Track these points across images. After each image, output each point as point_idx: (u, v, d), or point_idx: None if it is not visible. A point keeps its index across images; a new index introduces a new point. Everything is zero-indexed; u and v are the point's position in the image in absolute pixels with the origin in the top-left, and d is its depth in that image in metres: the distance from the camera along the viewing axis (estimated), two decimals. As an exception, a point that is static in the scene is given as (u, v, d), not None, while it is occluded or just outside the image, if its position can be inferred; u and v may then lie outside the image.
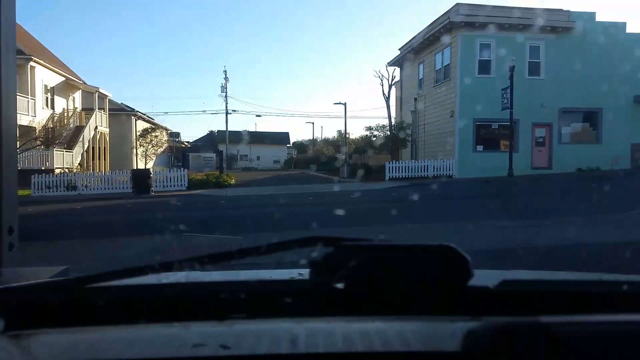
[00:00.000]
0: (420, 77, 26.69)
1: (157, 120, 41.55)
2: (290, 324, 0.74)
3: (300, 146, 68.00)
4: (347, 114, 31.76)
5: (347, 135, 31.36)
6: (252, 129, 61.93)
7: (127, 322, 0.74)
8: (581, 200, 11.88)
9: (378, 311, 0.75)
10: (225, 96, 58.08)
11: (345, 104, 30.78)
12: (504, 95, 20.36)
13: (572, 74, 21.91)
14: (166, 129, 45.12)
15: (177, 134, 73.31)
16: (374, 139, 26.09)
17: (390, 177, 22.54)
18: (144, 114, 36.07)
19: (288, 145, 69.69)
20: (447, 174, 22.35)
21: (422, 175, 22.50)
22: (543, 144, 22.51)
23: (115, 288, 0.77)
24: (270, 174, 36.05)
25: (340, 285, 0.71)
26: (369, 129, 26.35)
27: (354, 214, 10.62)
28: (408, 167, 22.80)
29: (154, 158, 31.72)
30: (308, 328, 0.73)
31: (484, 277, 0.81)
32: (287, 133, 68.68)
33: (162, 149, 31.68)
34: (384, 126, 26.17)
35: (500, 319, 0.68)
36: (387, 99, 33.20)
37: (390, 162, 23.05)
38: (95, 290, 0.77)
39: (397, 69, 30.86)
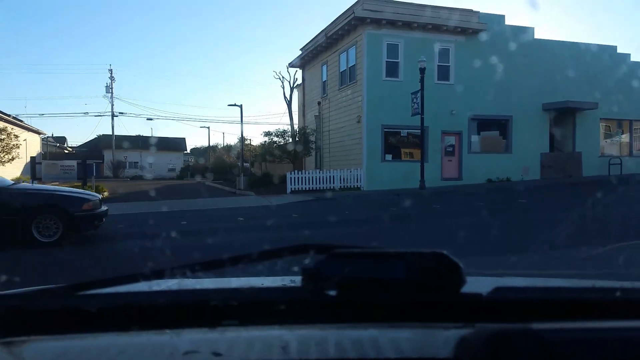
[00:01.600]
0: (324, 79, 24.37)
1: (29, 123, 35.51)
2: (282, 332, 0.73)
3: (198, 153, 63.52)
4: (247, 119, 28.88)
5: (245, 142, 28.10)
6: (148, 134, 56.60)
7: (119, 329, 0.73)
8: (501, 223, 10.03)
9: (370, 318, 0.74)
10: (111, 96, 52.31)
11: (241, 106, 27.72)
12: (414, 100, 18.54)
13: (481, 79, 20.76)
14: (38, 132, 38.93)
15: (62, 139, 65.48)
16: (274, 145, 23.19)
17: (293, 189, 19.82)
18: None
19: (185, 152, 64.76)
20: (355, 186, 20.10)
21: (328, 187, 20.06)
22: (453, 154, 21.11)
23: (107, 295, 0.76)
24: (159, 184, 31.82)
25: (332, 293, 0.71)
26: (268, 134, 23.40)
27: (229, 247, 7.67)
28: (312, 178, 20.21)
29: (12, 163, 26.16)
30: (300, 335, 0.73)
31: (477, 284, 0.81)
32: (184, 139, 63.79)
33: (18, 153, 26.21)
34: (284, 132, 23.38)
35: (492, 326, 0.67)
36: (289, 103, 30.63)
37: (292, 173, 20.31)
38: (87, 298, 0.76)
39: (299, 71, 28.39)
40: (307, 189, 19.83)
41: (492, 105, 20.99)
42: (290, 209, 14.55)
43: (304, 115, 27.93)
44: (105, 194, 21.60)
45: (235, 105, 28.46)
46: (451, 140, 21.07)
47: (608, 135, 23.59)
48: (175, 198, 19.24)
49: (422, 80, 17.96)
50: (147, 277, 0.78)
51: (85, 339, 0.74)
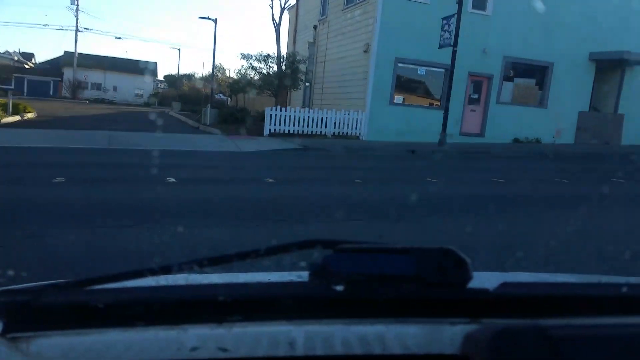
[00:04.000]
0: (325, -5, 19.48)
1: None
2: (288, 327, 0.73)
3: (173, 80, 57.59)
4: (227, 47, 23.48)
5: (217, 68, 23.08)
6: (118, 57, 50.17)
7: (125, 324, 0.73)
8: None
9: (377, 314, 0.74)
10: (77, 10, 45.74)
11: (215, 20, 22.51)
12: (445, 27, 14.05)
13: (524, 14, 16.30)
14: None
15: (29, 55, 58.50)
16: (253, 72, 18.47)
17: (272, 130, 15.47)
18: None
19: (158, 78, 58.77)
20: (353, 134, 15.87)
21: (318, 132, 15.78)
22: (478, 102, 16.93)
23: (113, 290, 0.76)
24: (114, 110, 27.02)
25: (339, 288, 0.71)
26: (246, 57, 18.45)
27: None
28: (298, 118, 15.80)
29: None
30: (307, 331, 0.73)
31: (484, 279, 0.81)
32: (155, 63, 57.43)
33: None
34: (268, 56, 18.46)
35: (499, 322, 0.66)
36: (278, 27, 25.56)
37: (273, 109, 15.79)
38: (94, 293, 0.76)
39: (294, -14, 23.23)
40: (291, 131, 15.52)
41: (532, 47, 16.66)
42: (262, 160, 10.31)
43: (294, 42, 23.09)
44: (29, 115, 16.88)
45: (208, 19, 22.93)
46: (478, 85, 16.79)
47: (657, 98, 19.65)
48: (118, 129, 14.72)
49: (460, 2, 13.39)
50: (154, 273, 0.77)
51: (92, 334, 0.73)
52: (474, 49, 16.09)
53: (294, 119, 15.73)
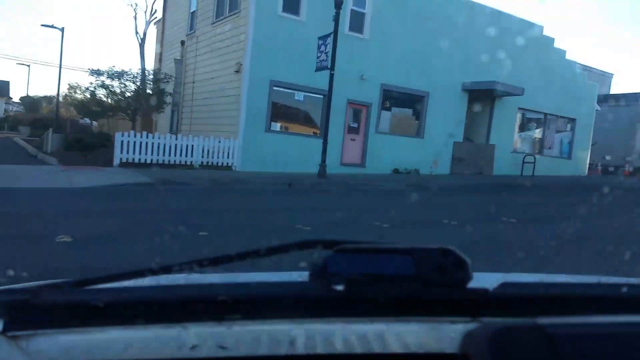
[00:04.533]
0: (194, 8, 17.57)
1: None
2: (289, 326, 0.73)
3: (30, 102, 50.59)
4: (91, 64, 20.26)
5: (74, 88, 19.70)
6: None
7: (125, 323, 0.73)
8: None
9: (377, 313, 0.75)
10: None
11: (62, 29, 19.30)
12: (322, 48, 12.92)
13: (400, 40, 15.92)
14: None
15: None
16: (104, 92, 15.70)
17: (124, 160, 12.99)
18: None
19: (15, 100, 51.53)
20: (225, 164, 13.99)
21: (183, 162, 13.65)
22: (357, 131, 16.07)
23: (114, 290, 0.76)
24: None
25: (339, 288, 0.71)
26: (96, 73, 15.59)
27: None
28: (157, 145, 13.48)
29: None
30: (307, 330, 0.73)
31: (483, 279, 0.81)
32: (7, 82, 50.08)
33: None
34: (123, 72, 15.72)
35: (499, 321, 0.67)
36: (142, 42, 22.96)
37: (125, 135, 13.23)
38: (94, 292, 0.76)
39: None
40: (150, 161, 13.20)
41: (408, 76, 16.33)
42: (87, 201, 7.96)
43: (160, 59, 20.73)
44: None
45: (53, 27, 19.31)
46: (358, 113, 15.96)
47: (521, 128, 20.62)
48: None
49: (337, 19, 12.36)
50: (154, 272, 0.77)
51: (92, 333, 0.73)
52: (353, 75, 15.27)
53: (152, 146, 13.42)
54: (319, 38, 13.05)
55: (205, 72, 16.23)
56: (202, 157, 13.82)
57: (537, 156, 19.80)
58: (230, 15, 14.87)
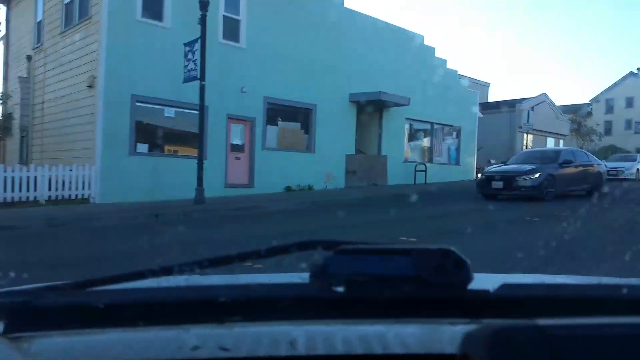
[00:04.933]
0: (40, 18, 15.05)
1: None
2: (289, 327, 0.73)
3: None
4: None
5: None
6: None
7: (126, 325, 0.73)
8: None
9: (377, 314, 0.75)
10: None
11: None
12: (189, 56, 11.32)
13: (282, 49, 14.83)
14: None
15: None
16: None
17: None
18: None
19: None
20: (81, 196, 11.71)
21: (25, 199, 11.17)
22: (242, 149, 14.57)
23: (114, 291, 0.77)
24: None
25: (339, 289, 0.71)
26: None
27: None
28: (-6, 179, 10.93)
29: None
30: (307, 331, 0.73)
31: (484, 280, 0.81)
32: None
33: None
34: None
35: (499, 322, 0.66)
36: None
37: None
38: (95, 294, 0.76)
39: (3, 8, 17.98)
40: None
41: (293, 88, 15.26)
42: None
43: (6, 78, 17.68)
44: None
45: None
46: (240, 130, 14.48)
47: (410, 138, 20.48)
48: None
49: (203, 22, 10.84)
50: (155, 274, 0.78)
51: (93, 334, 0.73)
52: (232, 88, 13.83)
53: (-18, 180, 10.81)
54: (185, 45, 11.44)
55: (55, 90, 13.79)
56: (51, 190, 11.43)
57: (427, 164, 19.70)
58: (81, 23, 12.72)
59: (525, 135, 26.22)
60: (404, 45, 18.72)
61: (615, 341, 0.60)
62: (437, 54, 20.60)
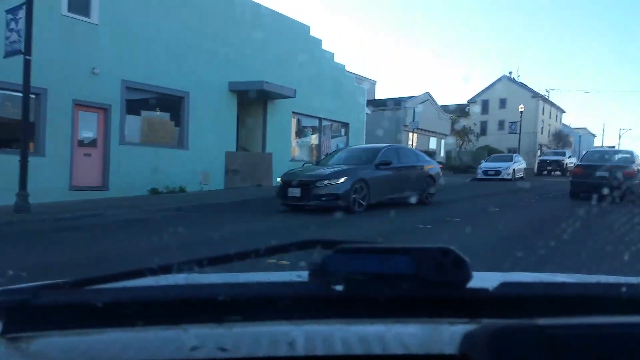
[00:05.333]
0: None
1: None
2: (288, 327, 0.73)
3: None
4: None
5: None
6: None
7: (124, 324, 0.73)
8: None
9: (376, 314, 0.75)
10: None
11: None
12: (12, 26, 8.86)
13: (146, 28, 12.69)
14: None
15: None
16: None
17: None
18: None
19: None
20: None
21: None
22: (94, 144, 12.18)
23: (113, 290, 0.76)
24: None
25: (338, 288, 0.71)
26: None
27: None
28: None
29: None
30: (306, 331, 0.73)
31: (483, 279, 0.82)
32: None
33: None
34: None
35: (498, 322, 0.66)
36: None
37: None
38: (93, 292, 0.76)
39: None
40: None
41: (160, 71, 13.18)
42: None
43: None
44: None
45: None
46: (92, 120, 12.08)
47: (298, 135, 19.26)
48: None
49: (26, -19, 8.46)
50: (154, 272, 0.78)
51: (91, 334, 0.73)
52: (81, 69, 11.41)
53: None
54: (7, 11, 8.94)
55: None
56: None
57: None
58: None
59: (410, 134, 26.36)
60: (289, 35, 17.42)
61: (615, 340, 0.60)
62: (324, 48, 19.59)
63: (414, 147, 28.67)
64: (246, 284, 0.88)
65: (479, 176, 23.64)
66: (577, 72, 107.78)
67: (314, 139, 19.78)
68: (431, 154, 31.64)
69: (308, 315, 0.75)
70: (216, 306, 0.73)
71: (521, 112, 34.11)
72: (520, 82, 47.45)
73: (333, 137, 20.76)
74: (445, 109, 38.68)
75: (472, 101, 49.18)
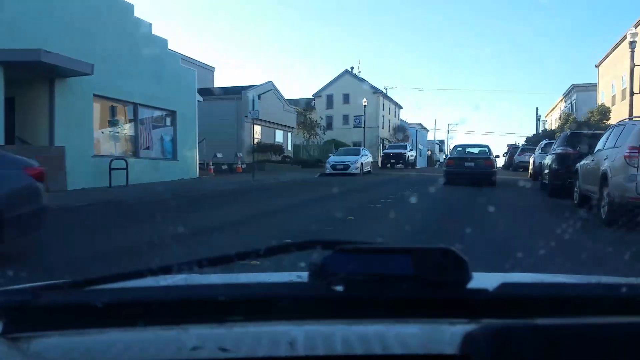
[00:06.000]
0: None
1: None
2: (289, 327, 0.73)
3: None
4: None
5: None
6: None
7: (125, 325, 0.73)
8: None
9: (377, 314, 0.75)
10: None
11: None
12: None
13: None
14: None
15: None
16: None
17: None
18: None
19: None
20: None
21: None
22: None
23: (113, 290, 0.76)
24: None
25: (338, 289, 0.71)
26: None
27: None
28: None
29: None
30: (307, 331, 0.73)
31: (483, 280, 0.81)
32: None
33: None
34: None
35: (498, 322, 0.67)
36: None
37: None
38: (94, 293, 0.76)
39: None
40: None
41: None
42: None
43: None
44: None
45: None
46: None
47: (105, 124, 15.10)
48: None
49: None
50: (154, 273, 0.78)
51: (92, 334, 0.73)
52: None
53: None
54: None
55: None
56: None
57: (131, 159, 14.77)
58: None
59: (252, 125, 23.60)
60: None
61: (615, 341, 0.60)
62: (138, 16, 15.71)
63: (257, 140, 26.04)
64: (247, 284, 0.89)
65: (327, 171, 21.92)
66: (412, 71, 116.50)
67: (127, 129, 15.78)
68: (277, 147, 29.39)
69: (308, 315, 0.75)
70: (217, 306, 0.72)
71: (364, 106, 33.68)
72: (362, 78, 47.88)
73: (156, 127, 16.98)
74: (295, 103, 36.99)
75: (317, 95, 48.42)
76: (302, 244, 0.76)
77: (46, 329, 0.72)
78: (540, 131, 42.72)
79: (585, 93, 34.23)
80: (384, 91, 50.21)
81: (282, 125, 30.87)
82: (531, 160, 19.60)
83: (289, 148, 32.39)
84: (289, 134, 32.64)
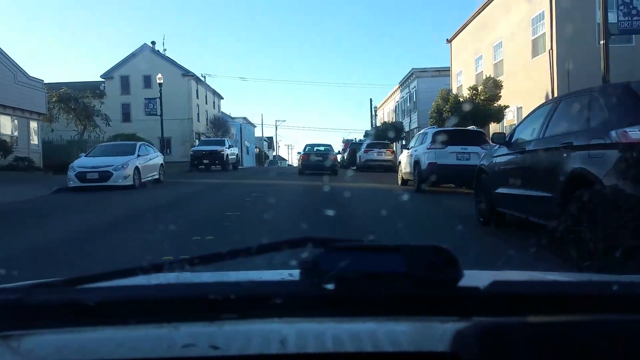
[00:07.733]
0: None
1: None
2: (280, 325, 0.74)
3: None
4: None
5: None
6: None
7: (117, 323, 0.73)
8: None
9: (368, 312, 0.75)
10: None
11: None
12: None
13: None
14: None
15: None
16: None
17: None
18: None
19: None
20: None
21: None
22: None
23: (105, 289, 0.76)
24: None
25: (330, 287, 0.71)
26: None
27: None
28: None
29: None
30: (298, 329, 0.73)
31: (475, 278, 0.81)
32: None
33: None
34: None
35: (490, 320, 0.68)
36: None
37: None
38: (86, 291, 0.76)
39: None
40: None
41: None
42: None
43: None
44: None
45: None
46: None
47: None
48: None
49: None
50: (146, 271, 0.78)
51: (84, 332, 0.73)
52: None
53: None
54: None
55: None
56: None
57: None
58: None
59: None
60: None
61: (605, 339, 0.59)
62: None
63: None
64: (238, 282, 0.86)
65: (71, 183, 12.45)
66: (234, 59, 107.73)
67: None
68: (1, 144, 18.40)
69: (300, 313, 0.75)
70: (208, 304, 0.72)
71: (160, 83, 24.44)
72: (168, 57, 37.95)
73: None
74: (78, 87, 26.07)
75: (108, 76, 37.05)
76: (293, 241, 0.76)
77: (38, 327, 0.72)
78: (375, 125, 38.51)
79: (428, 79, 29.93)
80: (202, 78, 41.05)
81: (15, 108, 19.71)
82: (404, 160, 12.98)
83: (37, 145, 21.39)
84: (36, 123, 21.55)
